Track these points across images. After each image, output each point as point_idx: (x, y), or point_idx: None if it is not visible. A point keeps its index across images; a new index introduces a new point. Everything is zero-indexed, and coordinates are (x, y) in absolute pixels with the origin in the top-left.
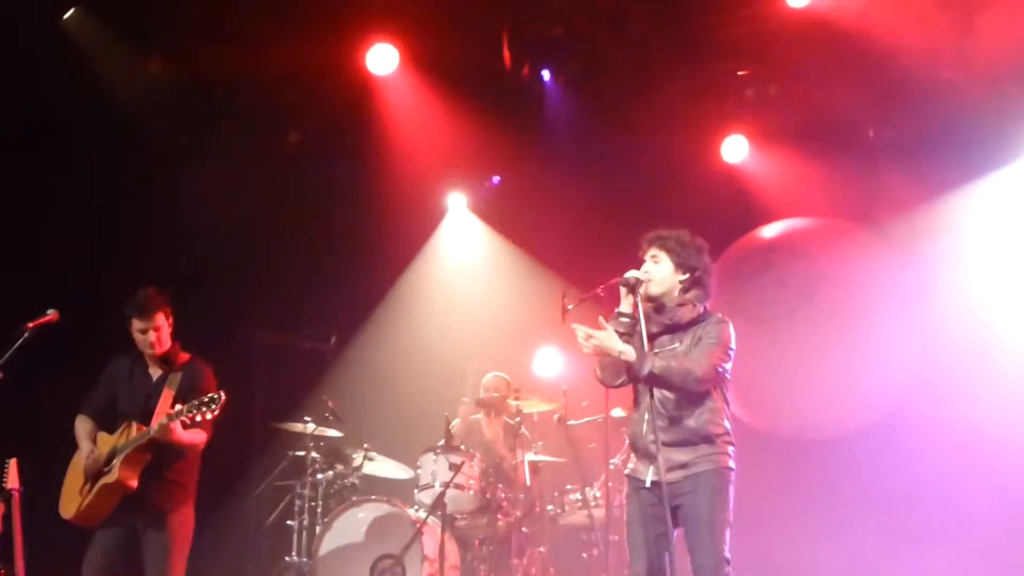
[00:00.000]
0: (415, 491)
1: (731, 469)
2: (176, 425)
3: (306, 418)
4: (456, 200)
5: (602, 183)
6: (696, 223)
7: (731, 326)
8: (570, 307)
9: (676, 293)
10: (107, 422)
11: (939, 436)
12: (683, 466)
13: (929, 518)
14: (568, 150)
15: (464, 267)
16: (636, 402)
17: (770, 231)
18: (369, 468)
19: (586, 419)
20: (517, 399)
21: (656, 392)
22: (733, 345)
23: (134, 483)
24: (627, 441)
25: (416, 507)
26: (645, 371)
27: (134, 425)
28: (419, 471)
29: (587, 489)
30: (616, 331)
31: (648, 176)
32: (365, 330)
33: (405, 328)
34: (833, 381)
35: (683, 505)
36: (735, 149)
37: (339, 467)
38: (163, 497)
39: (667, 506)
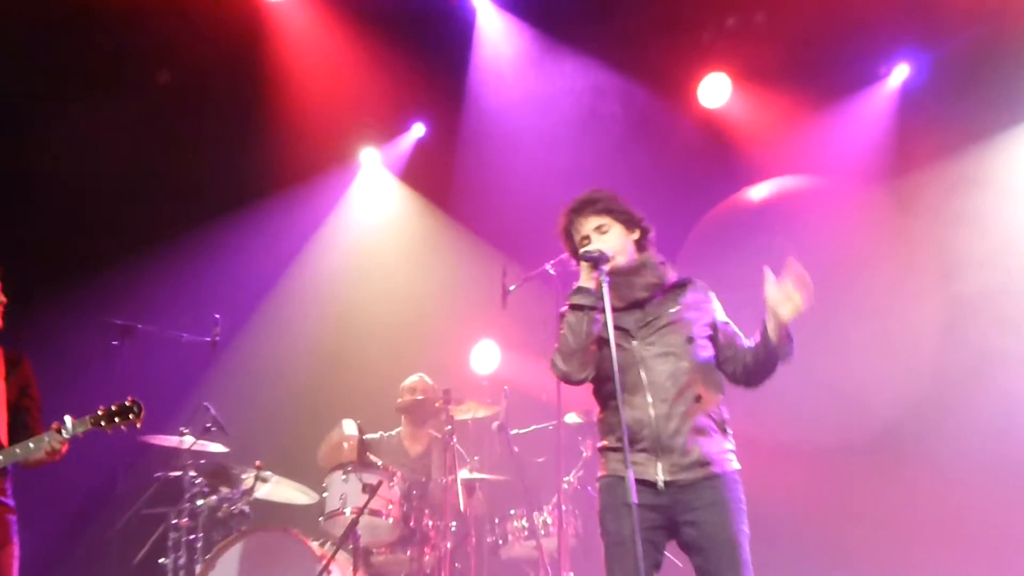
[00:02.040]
0: (320, 519)
1: (739, 470)
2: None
3: (183, 429)
4: (369, 156)
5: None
6: (668, 182)
7: None
8: (512, 288)
9: (635, 254)
10: None
11: (968, 438)
12: (703, 463)
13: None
14: (507, 95)
15: (379, 238)
16: (607, 389)
17: (759, 192)
18: (262, 491)
19: (534, 427)
20: (447, 403)
21: (649, 368)
22: None
23: None
24: (603, 441)
25: (322, 539)
26: (792, 352)
27: None
28: (325, 494)
29: (535, 514)
30: (579, 306)
31: (608, 125)
32: (258, 317)
33: (307, 314)
34: (841, 375)
35: (699, 522)
36: (714, 91)
37: (224, 490)
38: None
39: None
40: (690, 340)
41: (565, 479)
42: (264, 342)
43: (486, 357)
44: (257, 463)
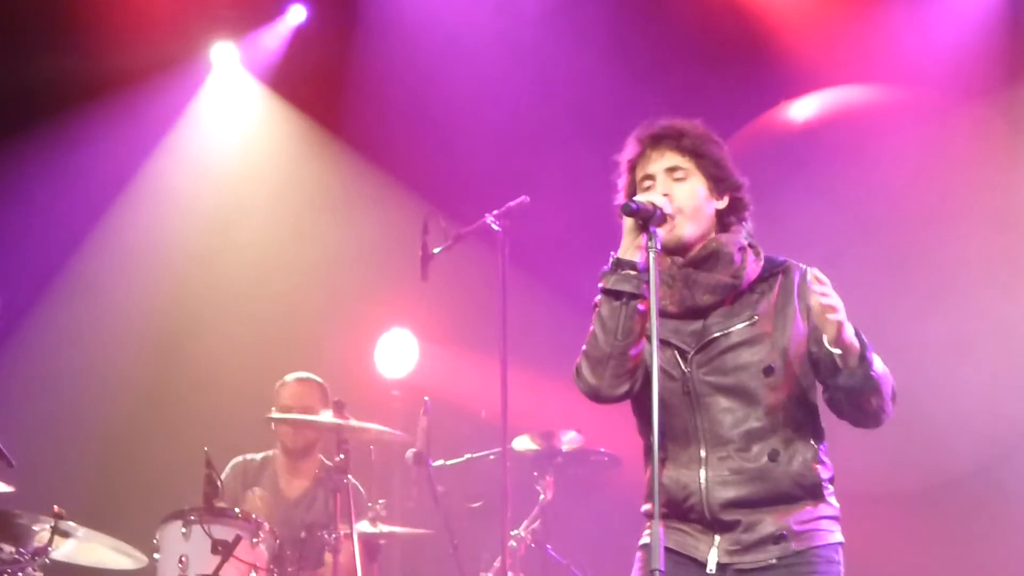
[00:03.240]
0: None
1: (842, 544)
2: None
3: None
4: (223, 53)
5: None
6: (677, 95)
7: None
8: (437, 251)
9: (712, 231)
10: None
11: None
12: (776, 540)
13: None
14: None
15: (239, 174)
16: (649, 426)
17: (806, 107)
18: (63, 550)
19: (467, 456)
20: (340, 419)
21: (705, 410)
22: None
23: None
24: (646, 504)
25: None
26: (863, 373)
27: None
28: (157, 556)
29: None
30: (616, 292)
31: (590, 15)
32: (60, 287)
33: (135, 285)
34: (915, 387)
35: None
36: None
37: (6, 549)
38: None
39: None
40: (768, 371)
41: (513, 533)
42: (70, 324)
43: (398, 353)
44: (56, 509)
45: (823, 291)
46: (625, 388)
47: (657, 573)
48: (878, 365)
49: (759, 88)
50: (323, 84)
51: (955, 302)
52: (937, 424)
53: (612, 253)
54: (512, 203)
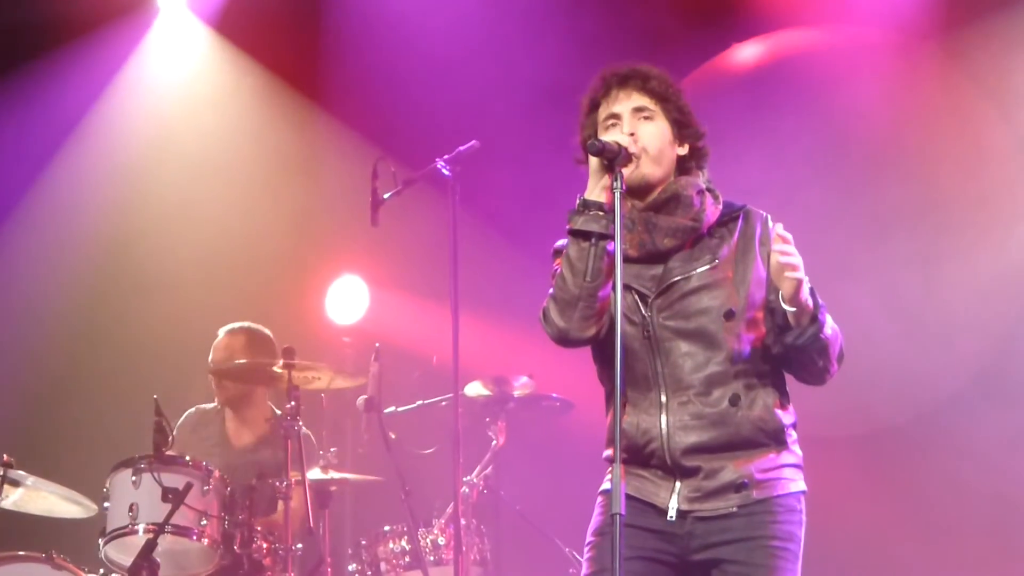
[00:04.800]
0: (99, 541)
1: (804, 492)
2: None
3: None
4: None
5: None
6: (628, 40)
7: None
8: (387, 196)
9: (672, 177)
10: None
11: None
12: (737, 488)
13: None
14: None
15: (184, 118)
16: (610, 371)
17: (756, 51)
18: (13, 499)
19: (419, 403)
20: (289, 368)
21: (666, 354)
22: None
23: None
24: (607, 449)
25: (103, 570)
26: (813, 333)
27: None
28: (107, 504)
29: (421, 532)
30: (584, 233)
31: None
32: (5, 233)
33: (82, 233)
34: (868, 330)
35: (724, 561)
36: None
37: None
38: None
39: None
40: (729, 315)
41: (466, 479)
42: (16, 271)
43: (348, 300)
44: (5, 458)
45: (785, 249)
46: (593, 330)
47: (618, 517)
48: (829, 326)
49: (706, 33)
50: (270, 28)
51: (905, 245)
52: (884, 371)
53: (579, 196)
54: (462, 148)
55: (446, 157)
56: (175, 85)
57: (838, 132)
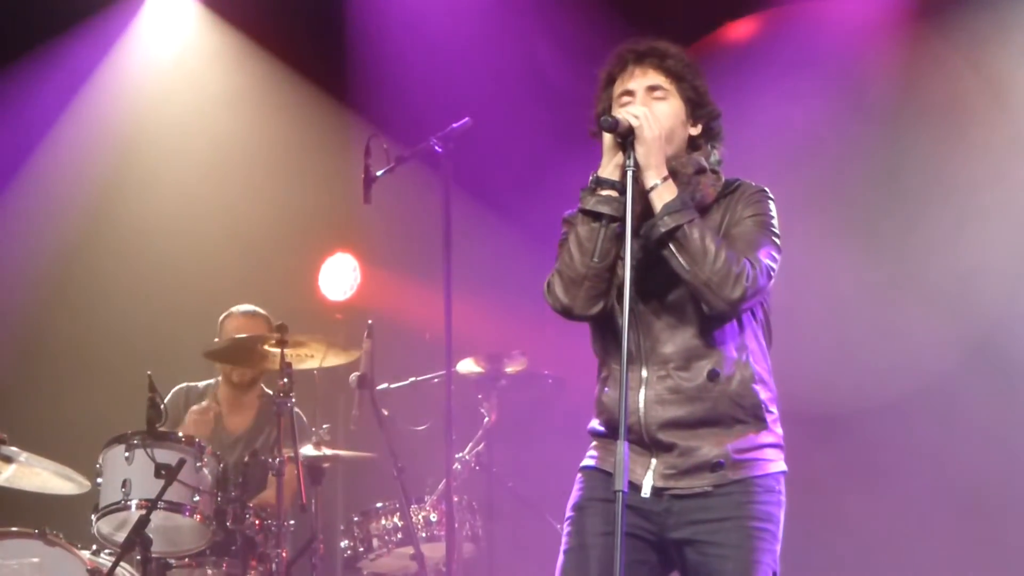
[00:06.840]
0: (92, 517)
1: (784, 473)
2: None
3: None
4: None
5: None
6: (618, 21)
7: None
8: (380, 174)
9: (683, 155)
10: None
11: None
12: (713, 467)
13: None
14: None
15: (177, 96)
16: (604, 346)
17: (747, 28)
18: (6, 475)
19: (412, 379)
20: (282, 345)
21: (647, 327)
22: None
23: None
24: (593, 421)
25: (95, 546)
26: (663, 229)
27: None
28: (100, 480)
29: (413, 509)
30: (593, 213)
31: None
32: None
33: (75, 208)
34: (843, 304)
35: (701, 542)
36: None
37: None
38: None
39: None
40: None
41: (458, 456)
42: (10, 245)
43: (340, 277)
44: None
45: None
46: (598, 308)
47: (620, 494)
48: (693, 235)
49: (701, 10)
50: (261, 5)
51: (892, 225)
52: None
53: (592, 173)
54: (455, 125)
55: (439, 135)
56: (166, 64)
57: (824, 114)
